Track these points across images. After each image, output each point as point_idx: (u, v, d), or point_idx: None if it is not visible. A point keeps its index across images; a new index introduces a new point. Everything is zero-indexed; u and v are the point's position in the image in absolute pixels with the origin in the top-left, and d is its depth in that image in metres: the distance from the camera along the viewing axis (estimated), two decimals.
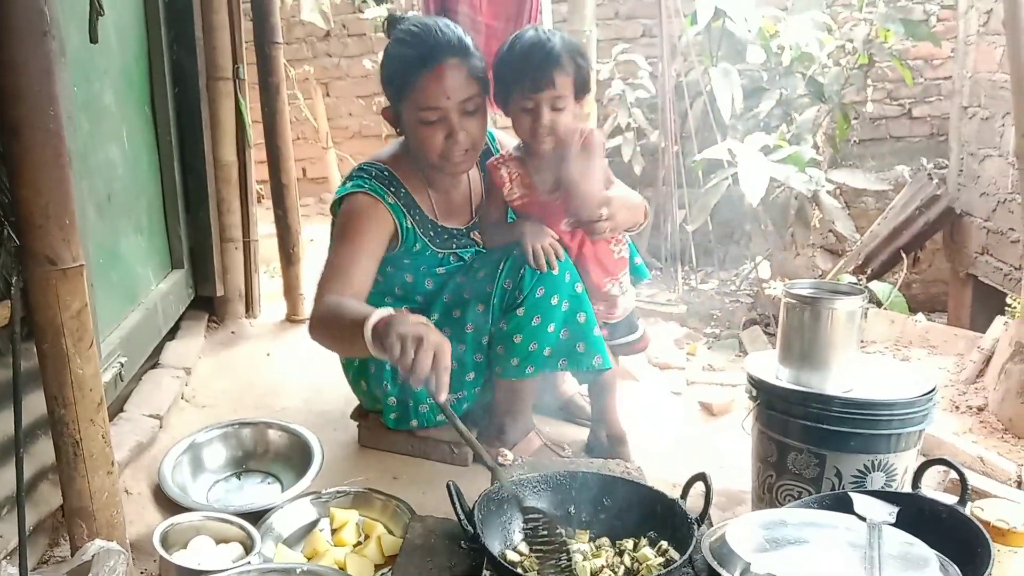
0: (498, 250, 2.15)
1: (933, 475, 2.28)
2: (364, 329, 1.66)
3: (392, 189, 2.13)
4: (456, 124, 2.02)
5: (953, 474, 1.62)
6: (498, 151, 2.29)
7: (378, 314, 1.67)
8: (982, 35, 4.38)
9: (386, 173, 2.15)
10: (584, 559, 1.52)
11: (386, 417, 2.34)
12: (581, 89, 2.06)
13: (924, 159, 5.18)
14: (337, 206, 2.17)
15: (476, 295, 2.13)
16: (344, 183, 2.18)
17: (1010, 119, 3.43)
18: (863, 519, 1.55)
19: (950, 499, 1.64)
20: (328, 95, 6.10)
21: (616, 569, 1.51)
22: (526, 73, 1.99)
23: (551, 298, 2.06)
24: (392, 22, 2.12)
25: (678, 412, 2.94)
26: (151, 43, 2.84)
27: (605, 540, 1.62)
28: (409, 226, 2.14)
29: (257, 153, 3.41)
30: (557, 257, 2.06)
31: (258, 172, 3.52)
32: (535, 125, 2.02)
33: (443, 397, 1.56)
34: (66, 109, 1.59)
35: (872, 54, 4.42)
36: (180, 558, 1.80)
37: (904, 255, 4.61)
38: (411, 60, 2.00)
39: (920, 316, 4.05)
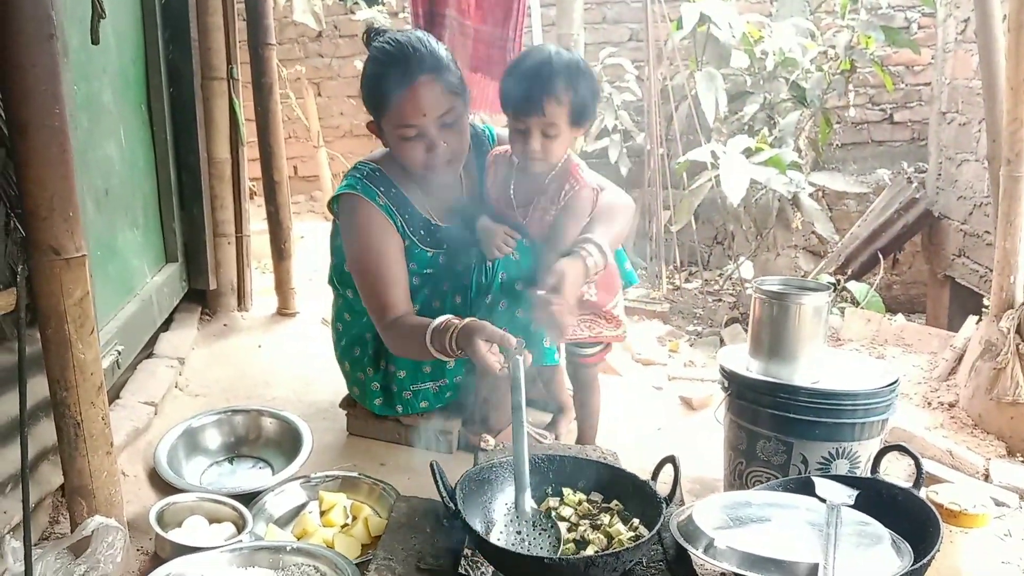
0: (475, 244, 2.21)
1: (905, 468, 2.38)
2: (427, 345, 1.96)
3: (382, 189, 2.18)
4: (435, 138, 2.06)
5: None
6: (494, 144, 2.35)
7: (433, 325, 1.95)
8: (960, 42, 4.48)
9: (377, 173, 2.20)
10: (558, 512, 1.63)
11: (371, 403, 2.41)
12: (579, 118, 2.04)
13: (904, 163, 5.28)
14: (335, 203, 2.25)
15: (454, 287, 2.21)
16: (342, 182, 2.25)
17: (985, 124, 3.52)
18: (824, 501, 1.64)
19: (906, 484, 1.74)
20: (320, 95, 6.17)
21: (587, 534, 1.60)
22: (519, 95, 1.98)
23: (515, 283, 2.11)
24: (370, 36, 2.16)
25: (658, 406, 3.02)
26: (148, 44, 2.92)
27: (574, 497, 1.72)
28: (399, 225, 2.20)
29: (250, 151, 3.48)
30: (506, 243, 2.11)
31: (251, 170, 3.60)
32: (524, 148, 2.03)
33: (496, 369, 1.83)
34: (67, 107, 1.66)
35: (854, 60, 4.50)
36: (175, 535, 1.88)
37: (883, 257, 4.70)
38: (386, 79, 2.03)
39: (899, 316, 4.15)
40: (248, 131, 3.42)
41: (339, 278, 2.40)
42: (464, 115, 2.13)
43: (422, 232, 2.23)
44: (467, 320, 1.91)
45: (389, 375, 2.34)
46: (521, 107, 1.99)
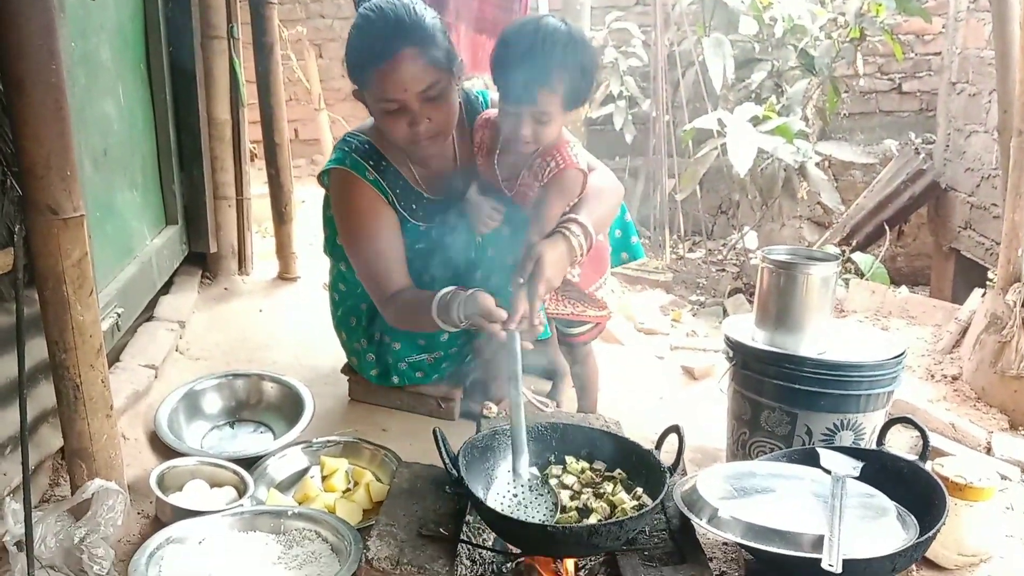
0: (465, 216, 2.15)
1: (908, 440, 2.37)
2: (433, 317, 1.92)
3: (371, 163, 2.12)
4: (418, 113, 1.97)
5: None
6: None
7: (438, 297, 1.91)
8: (972, 11, 4.41)
9: (366, 146, 2.14)
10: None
11: (367, 373, 2.40)
12: (574, 102, 1.92)
13: (912, 134, 5.23)
14: (324, 177, 2.21)
15: (445, 261, 2.16)
16: (331, 156, 2.20)
17: (996, 95, 3.47)
18: (828, 472, 1.63)
19: (912, 456, 1.73)
20: (321, 56, 6.09)
21: (590, 503, 1.59)
22: (511, 81, 1.85)
23: (504, 257, 2.06)
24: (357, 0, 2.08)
25: (660, 375, 3.02)
26: (147, 0, 2.86)
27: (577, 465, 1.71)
28: (391, 200, 2.15)
29: (250, 113, 3.44)
30: (490, 218, 2.03)
31: (251, 132, 3.55)
32: (515, 132, 1.91)
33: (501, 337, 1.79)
34: (64, 64, 1.62)
35: (864, 28, 4.44)
36: (176, 499, 1.87)
37: (888, 228, 4.68)
38: (367, 51, 1.95)
39: (903, 288, 4.13)
40: (248, 93, 3.38)
41: (332, 251, 2.37)
42: (450, 88, 2.01)
43: (413, 206, 2.18)
44: (473, 291, 1.87)
45: (384, 347, 2.33)
46: (513, 93, 1.87)
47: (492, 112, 2.15)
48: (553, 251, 1.89)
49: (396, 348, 2.32)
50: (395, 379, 2.37)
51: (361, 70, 1.98)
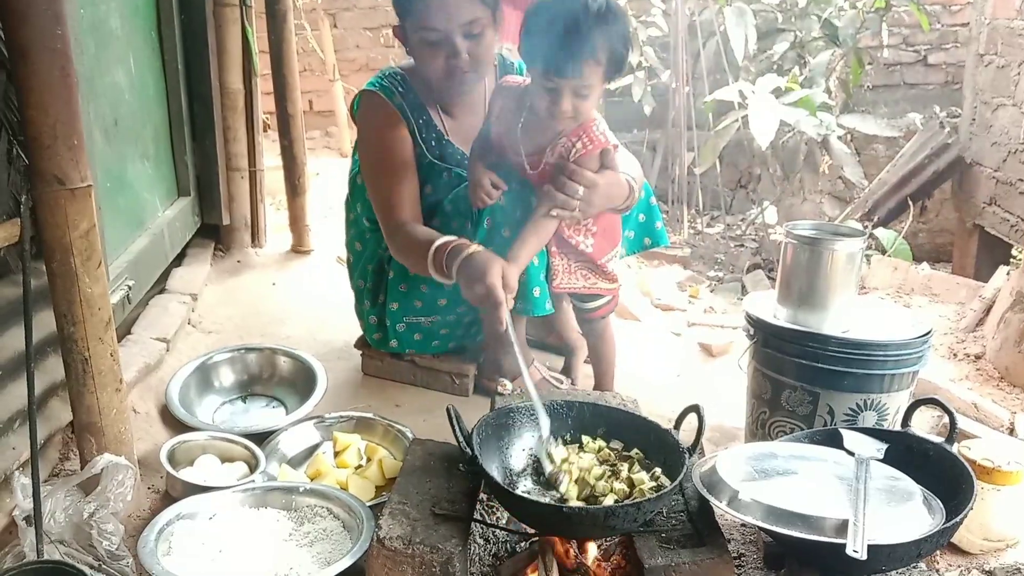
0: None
1: (928, 419, 2.32)
2: (427, 262, 1.92)
3: (401, 91, 2.16)
4: (458, 45, 2.02)
5: (946, 418, 1.65)
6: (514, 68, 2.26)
7: (434, 247, 1.91)
8: None
9: (398, 77, 2.19)
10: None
11: (370, 336, 2.42)
12: (612, 73, 1.89)
13: (937, 107, 5.12)
14: (356, 108, 2.24)
15: (457, 212, 2.14)
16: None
17: None
18: (852, 454, 1.59)
19: (938, 439, 1.68)
20: (335, 26, 6.01)
21: (609, 481, 1.55)
22: (554, 55, 1.79)
23: (502, 230, 2.03)
24: None
25: (678, 352, 2.97)
26: None
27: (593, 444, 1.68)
28: (412, 128, 2.16)
29: (264, 83, 3.39)
30: (488, 194, 2.00)
31: (264, 103, 3.50)
32: (552, 107, 1.86)
33: (501, 328, 1.78)
34: (72, 32, 1.58)
35: None
36: (186, 474, 1.86)
37: (912, 203, 4.59)
38: None
39: (924, 265, 4.06)
40: (262, 63, 3.33)
41: (353, 190, 2.37)
42: (490, 30, 2.06)
43: (432, 143, 2.19)
44: (478, 250, 1.85)
45: (383, 308, 2.33)
46: (555, 67, 1.81)
47: (512, 79, 2.10)
48: (615, 178, 1.98)
49: (393, 309, 2.31)
50: (393, 343, 2.37)
51: None
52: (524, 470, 1.65)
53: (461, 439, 1.52)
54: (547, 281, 2.11)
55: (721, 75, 4.74)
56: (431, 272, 1.94)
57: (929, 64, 5.74)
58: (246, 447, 1.97)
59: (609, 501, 1.50)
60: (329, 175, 4.50)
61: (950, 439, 1.65)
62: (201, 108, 3.09)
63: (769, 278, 3.88)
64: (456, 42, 2.02)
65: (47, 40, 1.50)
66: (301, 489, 1.77)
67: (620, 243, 2.21)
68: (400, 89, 2.17)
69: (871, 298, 3.35)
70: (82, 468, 1.68)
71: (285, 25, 3.32)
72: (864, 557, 1.29)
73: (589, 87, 1.85)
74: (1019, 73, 4.07)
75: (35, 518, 1.51)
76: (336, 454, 2.03)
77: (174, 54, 2.90)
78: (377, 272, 2.34)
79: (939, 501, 1.50)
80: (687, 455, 1.52)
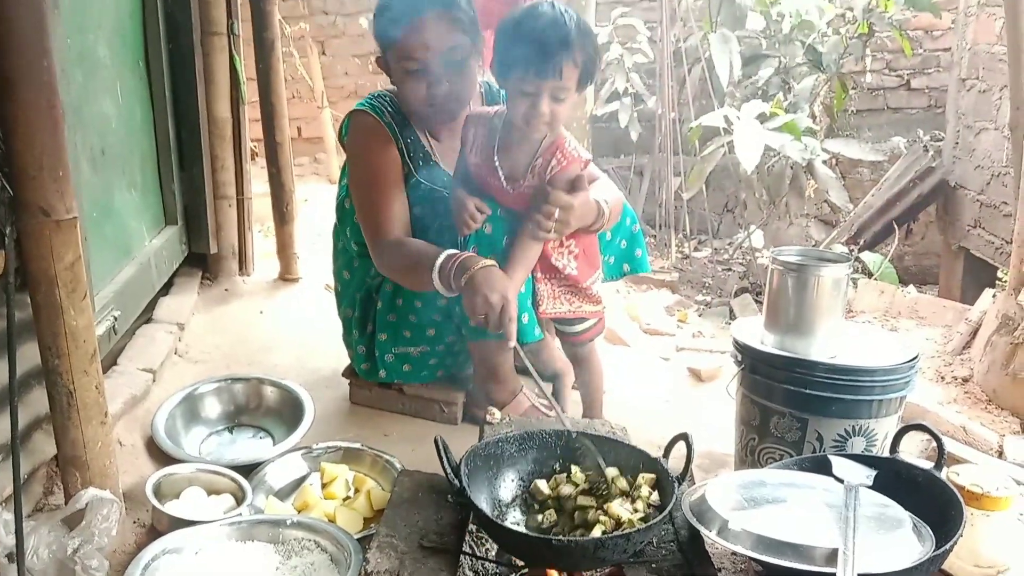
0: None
1: (918, 443, 2.33)
2: (432, 275, 1.93)
3: (390, 111, 2.18)
4: (438, 74, 2.06)
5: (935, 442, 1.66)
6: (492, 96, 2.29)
7: (443, 256, 1.93)
8: (982, 6, 4.35)
9: (387, 98, 2.22)
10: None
11: (358, 366, 2.41)
12: (585, 80, 1.95)
13: (921, 131, 5.17)
14: (344, 131, 2.25)
15: (442, 231, 2.13)
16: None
17: (1007, 92, 3.42)
18: (841, 481, 1.59)
19: (927, 464, 1.68)
20: (324, 54, 6.04)
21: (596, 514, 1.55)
22: (534, 57, 1.85)
23: (487, 255, 2.01)
24: None
25: (667, 377, 2.97)
26: None
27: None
28: (400, 146, 2.18)
29: (251, 111, 3.39)
30: (472, 219, 2.02)
31: (252, 130, 3.51)
32: (531, 112, 1.91)
33: (512, 343, 1.86)
34: (59, 62, 1.58)
35: (872, 23, 4.39)
36: (172, 508, 1.84)
37: (897, 227, 4.63)
38: (396, 11, 2.04)
39: (911, 288, 4.08)
40: (250, 90, 3.33)
41: (341, 217, 2.37)
42: (471, 57, 2.11)
43: (420, 163, 2.20)
44: (495, 264, 1.92)
45: (371, 338, 2.32)
46: (535, 70, 1.86)
47: (483, 110, 2.15)
48: (587, 199, 2.01)
49: (382, 339, 2.30)
50: (382, 373, 2.36)
51: (387, 29, 2.07)
52: (513, 501, 1.64)
53: (449, 470, 1.51)
54: (534, 307, 2.11)
55: (707, 101, 4.78)
56: (433, 281, 1.94)
57: (912, 88, 5.81)
58: (233, 479, 1.95)
59: (597, 532, 1.49)
60: (318, 202, 4.51)
61: (938, 465, 1.65)
62: (189, 137, 3.09)
63: (757, 302, 3.88)
64: (436, 71, 2.06)
65: (33, 72, 1.50)
66: (288, 522, 1.75)
67: (599, 268, 2.23)
68: (389, 109, 2.19)
69: (858, 322, 3.36)
70: (66, 503, 1.66)
71: (273, 53, 3.33)
72: None
73: (566, 90, 1.91)
74: (1001, 97, 4.12)
75: (17, 555, 1.49)
76: (324, 485, 2.01)
77: (161, 83, 2.90)
78: (365, 301, 2.33)
79: (928, 528, 1.50)
80: (676, 484, 1.52)
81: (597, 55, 1.98)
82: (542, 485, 1.64)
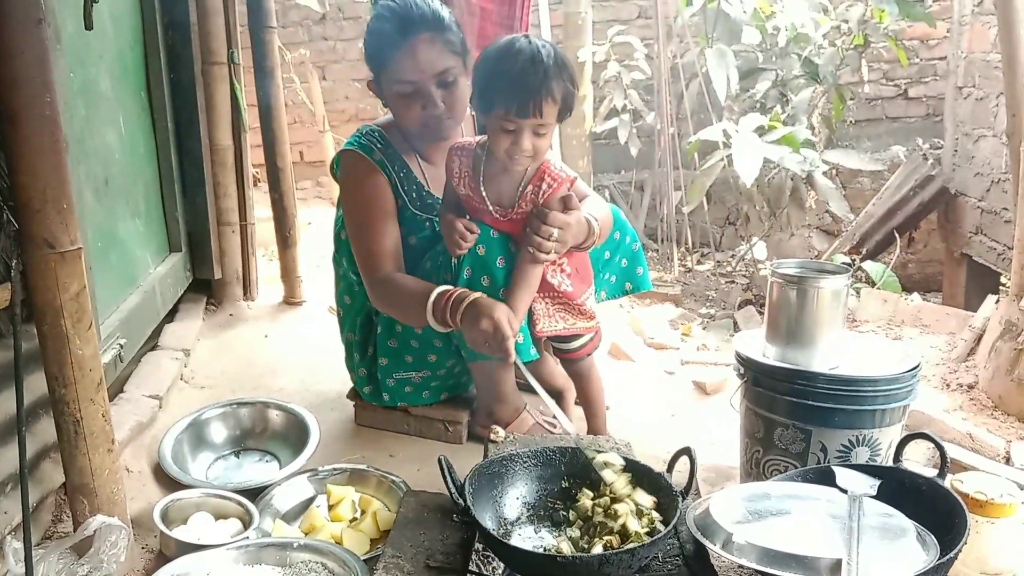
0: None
1: (923, 451, 2.32)
2: (426, 313, 1.99)
3: (379, 147, 2.20)
4: (432, 95, 2.08)
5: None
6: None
7: (434, 295, 1.98)
8: (976, 15, 4.38)
9: (376, 134, 2.23)
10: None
11: (361, 389, 2.42)
12: (565, 113, 1.97)
13: (919, 139, 5.19)
14: (336, 166, 2.27)
15: (438, 262, 2.16)
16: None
17: (1004, 99, 3.44)
18: (845, 491, 1.59)
19: (931, 472, 1.68)
20: (324, 78, 6.10)
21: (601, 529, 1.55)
22: (514, 96, 1.87)
23: (481, 277, 2.04)
24: None
25: (672, 391, 2.97)
26: (146, 28, 2.86)
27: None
28: (394, 183, 2.20)
29: (253, 137, 3.43)
30: (463, 238, 2.02)
31: (254, 156, 3.55)
32: (513, 148, 1.92)
33: (511, 359, 1.93)
34: (62, 95, 1.61)
35: (867, 34, 4.41)
36: (180, 533, 1.85)
37: (899, 235, 4.63)
38: (387, 35, 2.07)
39: (915, 296, 4.08)
40: (251, 117, 3.37)
41: (338, 246, 2.39)
42: (463, 78, 2.12)
43: (414, 194, 2.22)
44: (479, 296, 1.94)
45: (373, 361, 2.34)
46: (515, 109, 1.87)
47: (465, 141, 2.13)
48: (580, 218, 2.02)
49: (383, 364, 2.32)
50: (385, 396, 2.37)
51: (380, 53, 2.09)
52: (519, 518, 1.64)
53: (453, 490, 1.52)
54: (530, 327, 2.13)
55: (705, 115, 4.81)
56: (429, 319, 1.98)
57: (910, 98, 5.83)
58: (240, 503, 1.96)
59: (599, 548, 1.50)
60: (321, 225, 4.53)
61: (942, 473, 1.65)
62: (191, 165, 3.13)
63: (760, 314, 3.88)
64: (431, 92, 2.08)
65: (36, 107, 1.53)
66: (295, 545, 1.76)
67: (592, 284, 2.24)
68: (379, 145, 2.20)
69: (861, 332, 3.36)
70: (75, 530, 1.67)
71: (273, 81, 3.37)
72: None
73: (547, 126, 1.94)
74: (998, 104, 4.14)
75: None
76: (330, 507, 2.02)
77: (163, 113, 2.94)
78: (366, 325, 2.35)
79: (933, 537, 1.50)
80: (681, 498, 1.52)
81: (576, 87, 1.98)
82: (585, 500, 1.65)
